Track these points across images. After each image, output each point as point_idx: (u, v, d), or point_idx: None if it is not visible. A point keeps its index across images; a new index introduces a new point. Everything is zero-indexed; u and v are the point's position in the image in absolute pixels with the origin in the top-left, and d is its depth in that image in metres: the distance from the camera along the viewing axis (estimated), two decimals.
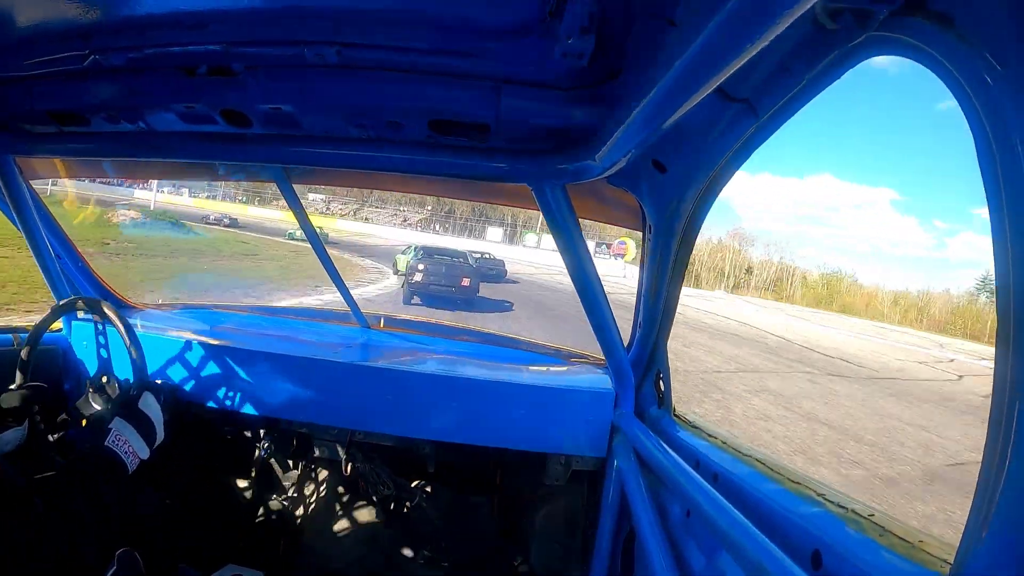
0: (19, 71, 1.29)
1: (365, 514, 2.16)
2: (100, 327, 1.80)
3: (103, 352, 1.72)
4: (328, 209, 68.97)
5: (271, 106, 1.27)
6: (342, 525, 2.14)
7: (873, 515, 0.87)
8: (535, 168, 1.34)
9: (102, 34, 1.13)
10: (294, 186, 2.08)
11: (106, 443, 1.39)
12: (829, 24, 0.75)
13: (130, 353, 1.65)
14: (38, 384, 1.58)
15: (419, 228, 65.24)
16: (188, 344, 2.06)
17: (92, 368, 1.73)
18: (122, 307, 2.39)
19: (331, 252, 2.45)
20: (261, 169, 2.05)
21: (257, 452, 2.15)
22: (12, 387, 1.54)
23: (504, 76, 1.15)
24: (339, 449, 2.11)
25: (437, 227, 68.31)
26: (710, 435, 1.48)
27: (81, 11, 1.06)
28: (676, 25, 0.79)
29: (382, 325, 2.62)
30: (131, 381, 1.65)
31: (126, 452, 1.42)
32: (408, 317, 3.13)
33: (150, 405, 1.55)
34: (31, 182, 1.90)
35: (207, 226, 34.41)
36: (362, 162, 1.52)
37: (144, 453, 1.48)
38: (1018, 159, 0.49)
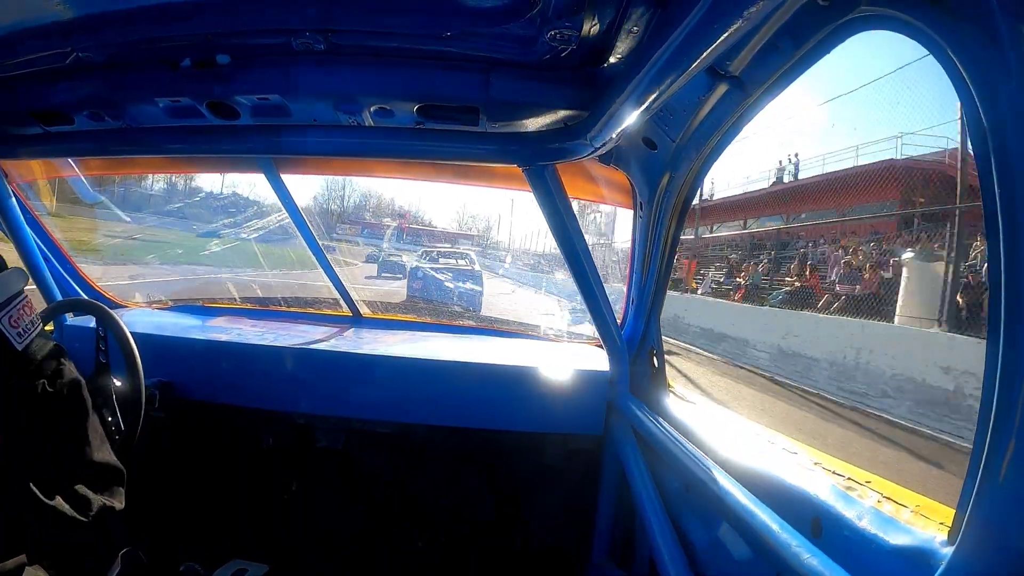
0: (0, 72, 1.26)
1: (367, 502, 2.17)
2: (92, 328, 1.78)
3: (96, 353, 1.70)
4: None
5: (258, 96, 1.26)
6: (344, 514, 2.16)
7: (870, 481, 0.89)
8: (525, 149, 1.34)
9: (83, 30, 1.10)
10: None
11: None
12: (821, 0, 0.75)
13: (124, 353, 1.64)
14: None
15: None
16: (182, 342, 2.05)
17: (86, 370, 1.71)
18: (113, 307, 2.36)
19: None
20: (249, 161, 2.02)
21: (257, 446, 2.15)
22: None
23: (493, 59, 1.14)
24: (339, 438, 2.11)
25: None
26: (705, 408, 1.50)
27: (61, 8, 1.03)
28: (664, 6, 0.78)
29: (373, 313, 2.61)
30: (126, 380, 1.64)
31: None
32: (398, 304, 3.13)
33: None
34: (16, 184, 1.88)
35: None
36: (352, 149, 1.50)
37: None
38: (1009, 136, 0.49)
